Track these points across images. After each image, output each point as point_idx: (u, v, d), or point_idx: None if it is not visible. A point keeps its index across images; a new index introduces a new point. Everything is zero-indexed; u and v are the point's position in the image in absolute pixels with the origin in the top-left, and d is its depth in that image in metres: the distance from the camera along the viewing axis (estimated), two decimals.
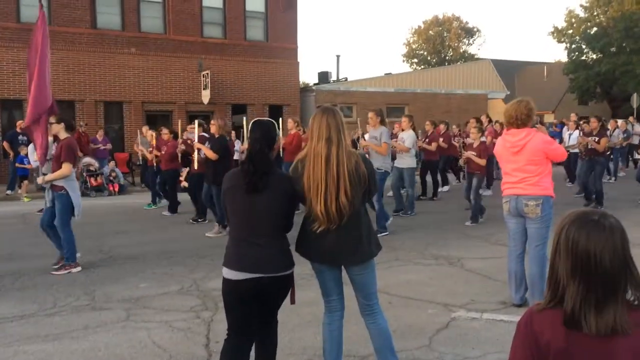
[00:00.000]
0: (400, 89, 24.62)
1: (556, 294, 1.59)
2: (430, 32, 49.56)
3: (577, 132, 13.22)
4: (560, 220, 1.63)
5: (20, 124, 14.12)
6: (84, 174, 14.61)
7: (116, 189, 14.87)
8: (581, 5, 36.58)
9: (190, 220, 9.87)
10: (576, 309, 1.53)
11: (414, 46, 51.27)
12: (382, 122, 8.61)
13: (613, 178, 15.24)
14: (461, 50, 49.42)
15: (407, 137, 10.13)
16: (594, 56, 35.71)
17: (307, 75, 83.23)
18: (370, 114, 8.68)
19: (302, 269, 6.31)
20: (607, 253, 1.51)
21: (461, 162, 10.43)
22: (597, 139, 10.54)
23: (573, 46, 36.61)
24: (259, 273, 2.93)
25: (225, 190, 3.09)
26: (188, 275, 6.19)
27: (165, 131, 11.33)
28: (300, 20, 45.53)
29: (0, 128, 16.78)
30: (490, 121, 14.01)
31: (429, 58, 50.02)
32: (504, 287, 5.34)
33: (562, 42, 37.27)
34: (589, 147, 10.61)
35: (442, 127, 13.57)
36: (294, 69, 21.79)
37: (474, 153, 9.56)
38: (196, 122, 9.83)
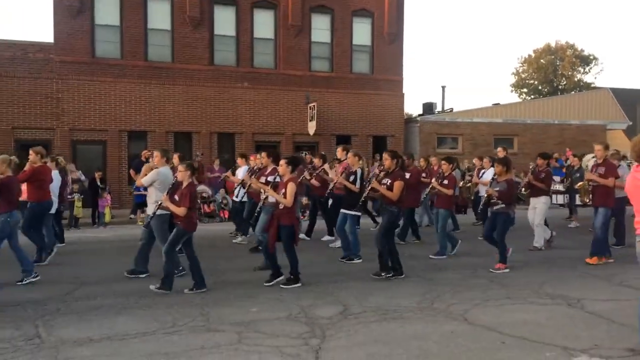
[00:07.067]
0: (509, 120, 23.81)
1: None
2: (541, 60, 47.56)
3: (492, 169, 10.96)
4: None
5: (145, 154, 15.29)
6: (198, 201, 15.48)
7: (226, 216, 15.57)
8: None
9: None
10: None
11: (523, 75, 49.43)
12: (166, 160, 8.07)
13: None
14: (576, 79, 46.88)
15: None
16: None
17: (412, 106, 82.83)
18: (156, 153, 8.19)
19: (409, 301, 6.25)
20: None
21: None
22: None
23: None
24: None
25: None
26: (295, 302, 6.31)
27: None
28: (406, 51, 45.65)
29: (127, 157, 18.28)
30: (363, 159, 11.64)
31: (539, 88, 47.94)
32: (632, 332, 4.91)
33: None
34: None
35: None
36: (398, 101, 21.86)
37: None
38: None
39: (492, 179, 8.84)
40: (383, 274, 7.58)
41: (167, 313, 5.88)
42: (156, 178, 7.78)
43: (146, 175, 7.97)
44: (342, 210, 9.08)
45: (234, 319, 5.64)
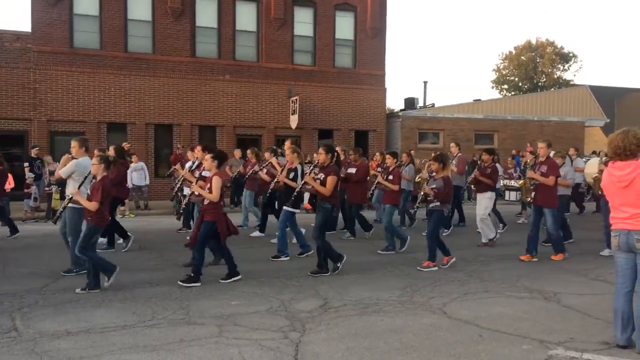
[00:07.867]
0: (489, 116, 24.04)
1: None
2: (522, 57, 48.03)
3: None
4: None
5: (125, 146, 15.10)
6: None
7: None
8: None
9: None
10: None
11: (504, 72, 49.90)
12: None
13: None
14: (555, 76, 47.45)
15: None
16: None
17: (394, 101, 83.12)
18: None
19: (389, 295, 6.29)
20: None
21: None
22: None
23: None
24: None
25: None
26: (276, 296, 6.31)
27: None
28: (388, 46, 45.37)
29: (106, 149, 18.00)
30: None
31: (520, 84, 48.45)
32: (606, 326, 5.01)
33: None
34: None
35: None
36: (380, 95, 21.92)
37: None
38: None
39: (430, 176, 8.72)
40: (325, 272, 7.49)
41: (146, 306, 5.84)
42: (75, 169, 7.35)
43: (65, 166, 7.55)
44: (285, 208, 8.74)
45: (214, 313, 5.62)
